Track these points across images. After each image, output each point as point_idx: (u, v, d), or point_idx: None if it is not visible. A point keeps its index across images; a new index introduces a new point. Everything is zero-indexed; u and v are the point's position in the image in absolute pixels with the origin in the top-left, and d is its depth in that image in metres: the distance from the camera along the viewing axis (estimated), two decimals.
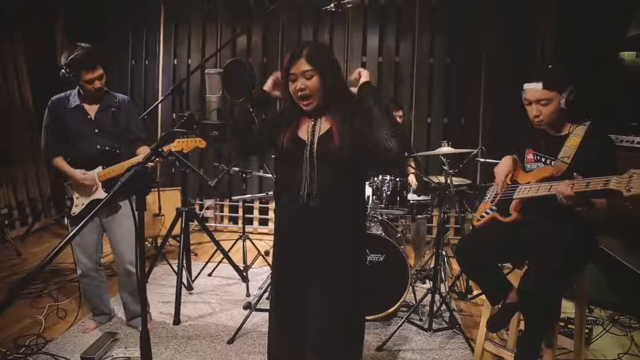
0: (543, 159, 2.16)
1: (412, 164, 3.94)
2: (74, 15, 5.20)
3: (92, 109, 2.67)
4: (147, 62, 5.35)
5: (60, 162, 2.67)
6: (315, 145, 1.75)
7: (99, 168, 2.66)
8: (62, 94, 2.69)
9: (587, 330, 2.75)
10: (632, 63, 4.07)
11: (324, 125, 1.77)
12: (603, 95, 3.70)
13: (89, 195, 2.67)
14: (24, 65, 4.95)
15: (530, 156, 2.22)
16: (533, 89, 2.03)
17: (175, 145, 2.63)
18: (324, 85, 1.70)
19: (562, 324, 2.57)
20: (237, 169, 3.74)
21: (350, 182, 1.79)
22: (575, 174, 1.88)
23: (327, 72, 1.70)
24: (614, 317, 3.15)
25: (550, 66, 2.07)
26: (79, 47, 2.54)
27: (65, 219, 2.76)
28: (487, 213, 2.32)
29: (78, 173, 2.64)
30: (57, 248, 1.24)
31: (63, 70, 2.54)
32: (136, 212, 1.28)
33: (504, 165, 2.24)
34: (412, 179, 3.72)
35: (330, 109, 1.77)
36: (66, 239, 1.30)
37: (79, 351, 2.60)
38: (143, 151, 2.76)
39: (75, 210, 2.68)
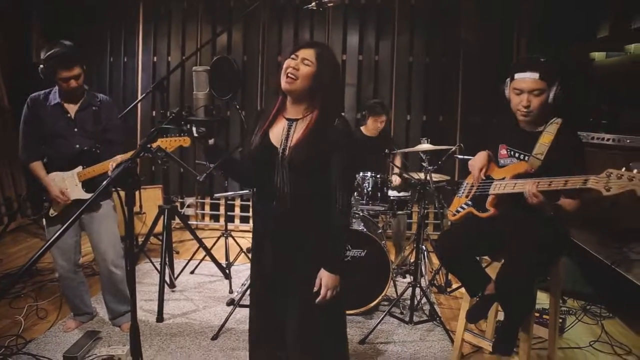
0: (517, 154, 2.21)
1: (397, 162, 3.99)
2: (49, 12, 5.10)
3: (72, 108, 2.63)
4: (125, 59, 5.28)
5: (38, 167, 2.61)
6: (287, 152, 1.72)
7: (79, 168, 2.63)
8: (42, 92, 2.64)
9: (560, 320, 2.87)
10: (602, 63, 4.22)
11: (298, 132, 1.73)
12: (574, 94, 3.82)
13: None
14: None
15: (503, 151, 2.26)
16: (529, 78, 2.05)
17: (159, 144, 2.63)
18: (315, 79, 1.70)
19: (537, 314, 2.66)
20: None
21: (325, 187, 1.74)
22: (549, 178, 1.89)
23: (325, 72, 1.70)
24: (585, 307, 3.28)
25: (543, 59, 2.07)
26: (59, 44, 2.51)
27: (44, 219, 2.71)
28: (462, 208, 2.35)
29: (54, 189, 2.57)
30: (40, 251, 1.20)
31: (42, 66, 2.50)
32: (125, 208, 1.29)
33: (478, 160, 2.29)
34: (395, 178, 3.74)
35: (311, 113, 1.73)
36: (49, 242, 1.27)
37: (60, 351, 2.58)
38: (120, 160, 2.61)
39: (54, 211, 2.65)
